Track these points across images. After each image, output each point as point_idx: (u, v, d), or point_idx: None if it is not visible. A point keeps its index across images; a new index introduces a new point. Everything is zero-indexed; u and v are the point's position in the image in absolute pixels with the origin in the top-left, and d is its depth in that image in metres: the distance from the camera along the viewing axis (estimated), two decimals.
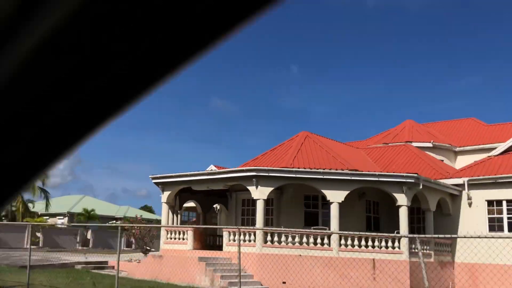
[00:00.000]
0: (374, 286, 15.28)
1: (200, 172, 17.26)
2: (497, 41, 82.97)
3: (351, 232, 14.81)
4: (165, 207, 18.90)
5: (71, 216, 39.88)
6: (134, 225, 20.00)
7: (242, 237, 16.32)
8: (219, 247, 18.92)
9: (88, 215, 36.22)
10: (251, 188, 16.24)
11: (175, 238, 18.07)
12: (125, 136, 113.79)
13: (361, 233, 14.28)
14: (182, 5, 0.36)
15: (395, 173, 16.40)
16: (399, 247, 15.71)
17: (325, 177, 15.84)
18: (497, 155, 20.13)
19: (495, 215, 18.16)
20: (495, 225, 18.12)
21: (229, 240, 16.60)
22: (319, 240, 15.81)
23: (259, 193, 16.10)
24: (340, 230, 15.64)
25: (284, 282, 15.57)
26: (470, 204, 18.43)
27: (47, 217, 38.29)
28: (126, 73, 0.40)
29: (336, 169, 16.37)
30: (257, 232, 15.81)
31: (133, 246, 37.59)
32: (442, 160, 23.57)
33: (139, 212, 47.03)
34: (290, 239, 15.81)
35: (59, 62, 0.39)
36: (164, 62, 0.39)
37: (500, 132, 25.11)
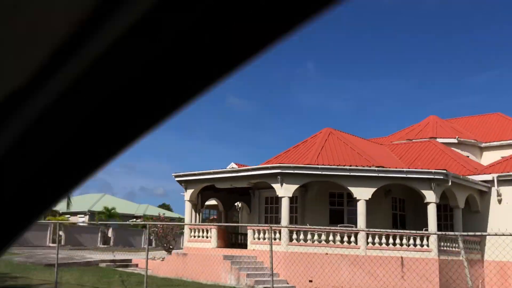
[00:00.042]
0: (403, 285, 14.98)
1: (223, 169, 17.10)
2: None
3: (379, 230, 14.55)
4: (188, 205, 18.79)
5: (92, 214, 40.10)
6: (162, 223, 19.91)
7: (267, 235, 16.14)
8: (241, 245, 18.76)
9: (109, 214, 36.37)
10: (276, 186, 16.03)
11: (198, 236, 17.94)
12: None
13: (389, 230, 14.00)
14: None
15: (423, 170, 16.05)
16: (427, 245, 15.38)
17: (351, 173, 15.56)
18: None
19: None
20: None
21: (254, 238, 16.41)
22: (345, 238, 15.55)
23: (284, 190, 15.88)
24: (366, 227, 15.37)
25: (310, 281, 15.34)
26: (499, 201, 17.99)
27: (68, 216, 38.56)
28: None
29: (363, 166, 16.08)
30: (283, 230, 15.60)
31: (153, 244, 37.72)
32: (468, 156, 23.10)
33: (158, 210, 47.14)
34: (316, 237, 15.57)
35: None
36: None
37: None
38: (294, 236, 15.69)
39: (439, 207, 17.17)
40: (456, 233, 15.21)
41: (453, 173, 16.27)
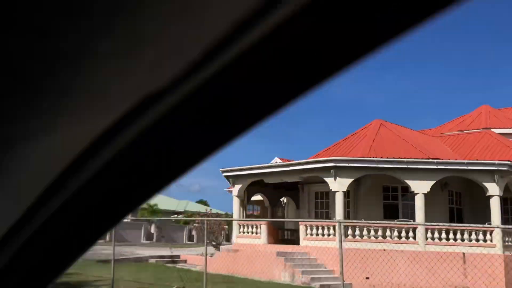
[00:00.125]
0: (465, 282, 14.30)
1: (273, 164, 16.72)
2: None
3: (439, 224, 13.90)
4: (236, 201, 18.50)
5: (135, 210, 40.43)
6: (217, 218, 19.72)
7: (320, 231, 15.70)
8: (288, 241, 18.38)
9: (152, 210, 36.60)
10: (329, 180, 15.54)
11: (248, 232, 17.63)
12: None
13: (450, 224, 13.35)
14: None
15: (486, 161, 15.28)
16: (491, 240, 14.63)
17: (409, 166, 14.93)
18: None
19: None
20: None
21: (306, 234, 15.99)
22: (403, 233, 14.95)
23: (338, 184, 15.37)
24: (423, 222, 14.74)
25: (367, 278, 14.83)
26: None
27: None
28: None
29: (421, 158, 15.42)
30: (337, 225, 15.10)
31: (195, 239, 37.77)
32: None
33: (197, 206, 47.28)
34: (372, 232, 15.03)
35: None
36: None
37: None
38: (350, 231, 15.18)
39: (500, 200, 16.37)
40: None
41: None
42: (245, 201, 19.45)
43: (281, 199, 22.60)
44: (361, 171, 15.53)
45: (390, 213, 17.06)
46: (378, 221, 14.80)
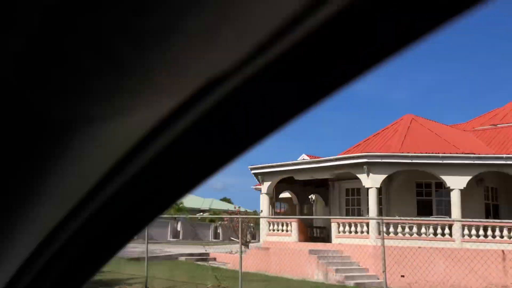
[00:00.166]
0: (505, 280, 13.87)
1: (304, 161, 16.50)
2: None
3: (477, 221, 13.52)
4: (265, 198, 18.33)
5: None
6: (247, 216, 19.58)
7: (353, 228, 15.44)
8: (318, 239, 18.15)
9: (178, 208, 36.75)
10: (362, 176, 15.24)
11: (278, 230, 17.45)
12: None
13: (488, 221, 12.96)
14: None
15: None
16: None
17: (444, 161, 14.54)
18: None
19: None
20: None
21: (339, 232, 15.73)
22: (439, 230, 14.58)
23: (371, 181, 15.06)
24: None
25: (402, 276, 14.50)
26: None
27: None
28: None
29: (457, 153, 15.02)
30: (371, 222, 14.83)
31: (221, 237, 37.79)
32: None
33: (222, 204, 47.33)
34: (407, 229, 14.70)
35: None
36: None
37: None
38: (384, 229, 14.86)
39: None
40: None
41: None
42: (273, 198, 19.28)
43: (310, 197, 22.36)
44: (394, 167, 15.20)
45: (424, 209, 16.68)
46: (414, 218, 14.45)
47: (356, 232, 15.27)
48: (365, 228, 15.10)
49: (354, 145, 18.53)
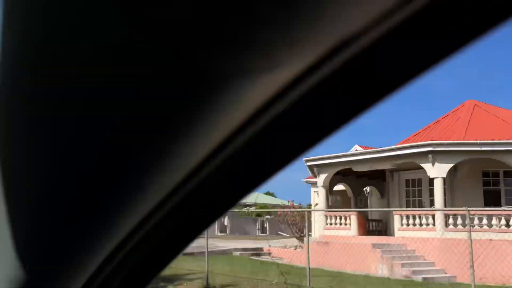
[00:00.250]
0: None
1: (363, 151, 15.84)
2: None
3: None
4: (322, 191, 17.78)
5: None
6: (303, 209, 19.09)
7: (417, 220, 14.70)
8: (375, 232, 17.48)
9: None
10: (426, 166, 14.46)
11: (336, 224, 16.87)
12: None
13: None
14: None
15: None
16: None
17: None
18: None
19: None
20: None
21: (402, 225, 15.01)
22: (511, 222, 13.68)
23: (437, 170, 14.27)
24: None
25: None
26: None
27: None
28: None
29: None
30: (437, 214, 14.06)
31: (268, 232, 37.44)
32: None
33: (267, 198, 47.02)
34: (476, 221, 13.85)
35: None
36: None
37: None
38: (451, 220, 14.08)
39: None
40: None
41: None
42: (328, 191, 18.70)
43: (364, 189, 21.67)
44: (460, 155, 14.35)
45: (491, 200, 15.74)
46: (482, 209, 13.60)
47: (420, 224, 14.53)
48: (430, 221, 14.34)
49: (413, 134, 17.71)
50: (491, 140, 14.27)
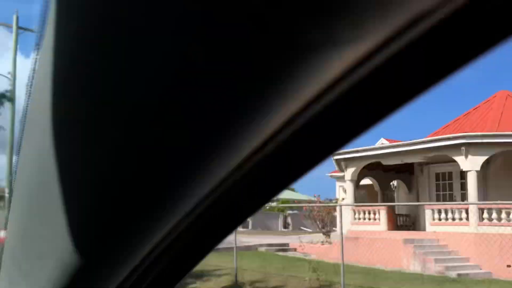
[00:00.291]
0: None
1: (394, 144, 15.43)
2: None
3: None
4: (349, 185, 17.45)
5: None
6: (330, 204, 18.81)
7: (450, 215, 14.28)
8: (402, 227, 17.07)
9: None
10: (459, 158, 14.02)
11: (364, 219, 16.52)
12: None
13: None
14: None
15: None
16: None
17: None
18: None
19: None
20: None
21: (433, 219, 14.61)
22: None
23: (470, 163, 13.83)
24: None
25: (508, 266, 13.23)
26: None
27: None
28: None
29: None
30: (471, 208, 13.63)
31: (290, 227, 37.19)
32: None
33: (289, 193, 46.73)
34: None
35: None
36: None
37: None
38: (485, 215, 13.64)
39: None
40: None
41: None
42: (355, 185, 18.36)
43: (391, 183, 21.24)
44: (495, 147, 13.87)
45: None
46: None
47: (453, 219, 14.11)
48: (463, 215, 13.91)
49: (443, 126, 17.25)
50: None
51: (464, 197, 15.45)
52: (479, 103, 17.77)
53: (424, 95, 0.30)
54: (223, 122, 0.29)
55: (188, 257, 0.50)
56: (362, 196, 25.10)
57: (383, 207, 16.03)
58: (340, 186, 23.18)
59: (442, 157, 14.78)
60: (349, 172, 17.22)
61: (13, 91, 16.06)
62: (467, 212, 13.84)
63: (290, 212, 38.35)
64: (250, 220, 36.05)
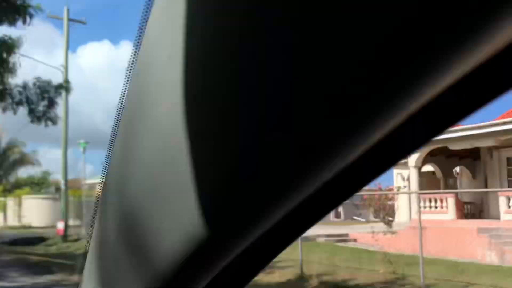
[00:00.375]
0: None
1: (464, 127, 14.40)
2: None
3: None
4: (413, 172, 16.57)
5: None
6: (391, 192, 18.01)
7: None
8: (467, 215, 16.06)
9: None
10: None
11: (430, 207, 15.61)
12: None
13: None
14: None
15: None
16: None
17: None
18: None
19: None
20: None
21: (509, 207, 13.58)
22: None
23: None
24: None
25: None
26: None
27: None
28: None
29: None
30: None
31: (342, 216, 36.39)
32: None
33: None
34: None
35: None
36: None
37: None
38: None
39: None
40: None
41: None
42: (419, 172, 17.44)
43: (454, 170, 20.17)
44: None
45: None
46: None
47: None
48: None
49: None
50: None
51: None
52: None
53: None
54: (358, 120, 0.27)
55: (270, 248, 0.48)
56: (422, 183, 24.08)
57: (451, 194, 15.09)
58: (398, 173, 22.22)
59: (507, 142, 13.69)
60: (413, 158, 16.32)
61: (67, 82, 16.01)
62: None
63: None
64: None
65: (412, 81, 0.25)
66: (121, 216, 0.51)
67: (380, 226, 18.28)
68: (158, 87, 0.37)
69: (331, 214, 37.05)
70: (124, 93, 0.47)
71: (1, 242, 20.40)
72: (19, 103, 13.56)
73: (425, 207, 15.74)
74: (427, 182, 22.95)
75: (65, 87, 15.01)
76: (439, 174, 19.64)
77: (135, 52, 0.42)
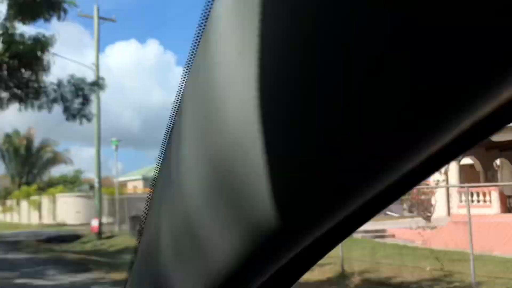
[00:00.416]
0: None
1: None
2: None
3: None
4: (454, 165, 16.03)
5: None
6: (432, 186, 17.46)
7: None
8: (509, 210, 15.44)
9: None
10: None
11: (472, 201, 15.03)
12: None
13: None
14: None
15: None
16: None
17: None
18: None
19: None
20: None
21: None
22: None
23: None
24: None
25: None
26: None
27: None
28: None
29: None
30: None
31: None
32: None
33: None
34: None
35: None
36: None
37: None
38: None
39: None
40: None
41: None
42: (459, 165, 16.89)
43: (494, 162, 19.51)
44: None
45: None
46: None
47: None
48: None
49: None
50: None
51: None
52: None
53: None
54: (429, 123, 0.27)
55: (323, 245, 0.47)
56: (460, 177, 23.40)
57: (494, 188, 14.52)
58: None
59: None
60: None
61: (98, 81, 16.01)
62: None
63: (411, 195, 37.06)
64: None
65: (494, 83, 0.24)
66: (180, 213, 0.50)
67: (416, 221, 17.77)
68: (227, 83, 0.37)
69: None
70: (181, 91, 0.47)
71: (37, 240, 20.66)
72: (54, 100, 13.60)
73: (466, 201, 15.20)
74: (466, 175, 22.29)
75: (99, 84, 15.00)
76: (478, 167, 19.00)
77: (194, 50, 0.42)
